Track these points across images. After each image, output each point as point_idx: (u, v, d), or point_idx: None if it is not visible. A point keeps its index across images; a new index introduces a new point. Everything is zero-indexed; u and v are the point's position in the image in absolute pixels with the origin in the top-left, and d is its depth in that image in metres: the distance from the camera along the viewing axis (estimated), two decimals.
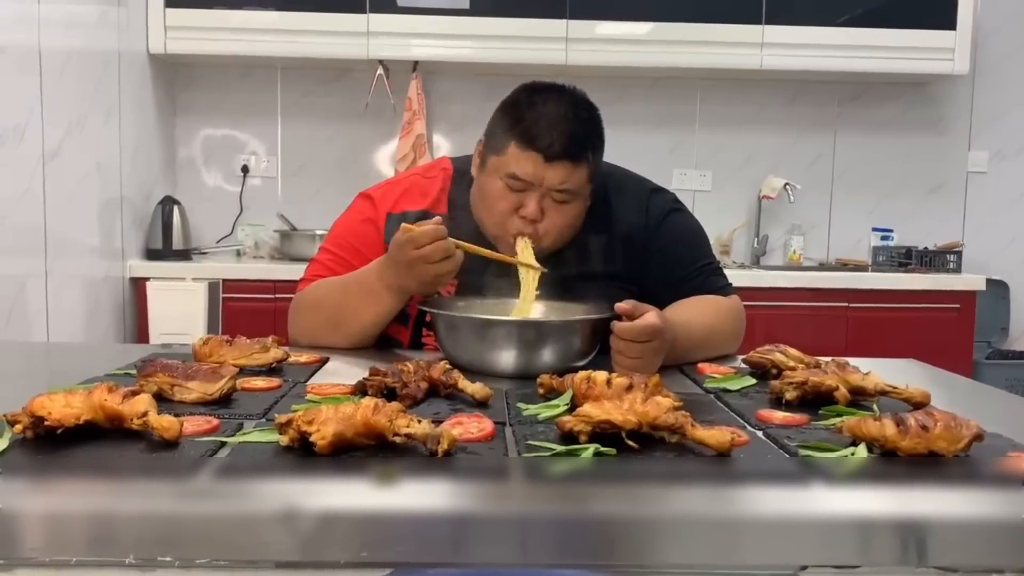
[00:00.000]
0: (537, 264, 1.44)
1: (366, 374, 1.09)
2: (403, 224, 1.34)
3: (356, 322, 1.46)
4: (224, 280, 3.24)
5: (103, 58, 3.06)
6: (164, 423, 0.83)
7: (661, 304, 1.38)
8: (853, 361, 1.16)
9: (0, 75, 2.40)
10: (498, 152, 1.45)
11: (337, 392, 1.08)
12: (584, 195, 1.49)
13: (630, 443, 0.86)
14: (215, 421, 0.92)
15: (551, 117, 1.42)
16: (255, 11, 3.40)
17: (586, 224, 1.53)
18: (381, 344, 1.53)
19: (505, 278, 1.45)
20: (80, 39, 2.88)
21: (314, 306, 1.52)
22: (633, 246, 1.55)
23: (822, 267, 3.83)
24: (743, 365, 1.33)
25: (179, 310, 3.08)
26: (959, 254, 3.68)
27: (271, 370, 1.23)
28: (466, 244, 1.37)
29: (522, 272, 1.44)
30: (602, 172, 1.53)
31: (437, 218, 1.37)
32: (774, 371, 1.23)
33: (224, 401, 1.02)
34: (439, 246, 1.31)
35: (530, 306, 1.43)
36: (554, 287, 1.47)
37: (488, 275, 1.47)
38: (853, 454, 0.86)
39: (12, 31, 2.48)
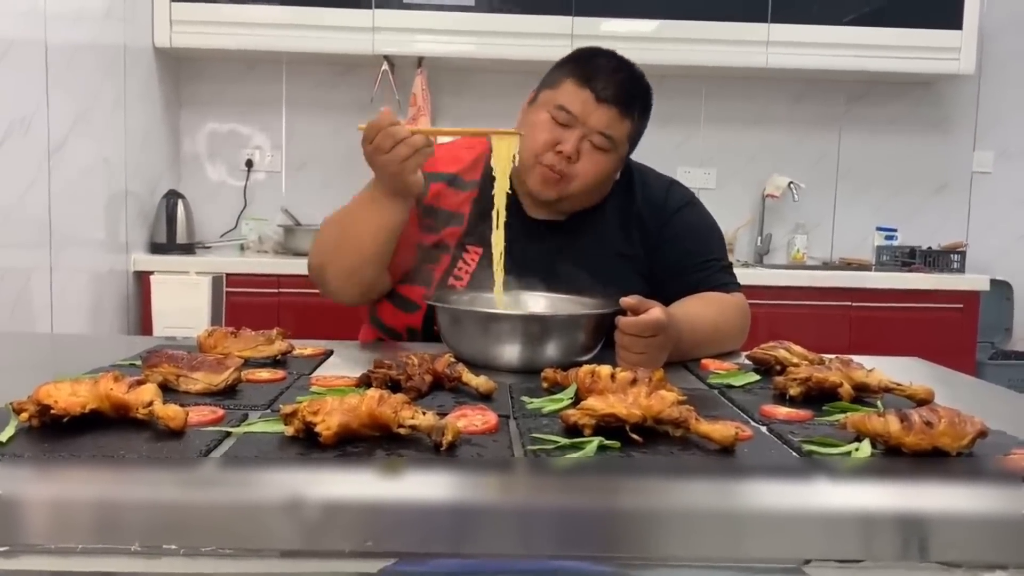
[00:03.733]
0: (510, 129, 1.44)
1: (370, 366, 1.09)
2: (358, 125, 1.35)
3: (361, 233, 1.46)
4: (228, 274, 3.24)
5: (109, 52, 3.06)
6: (170, 412, 0.84)
7: (666, 294, 1.39)
8: (857, 359, 1.16)
9: (6, 68, 2.40)
10: (552, 86, 1.51)
11: (342, 384, 1.08)
12: (621, 152, 1.53)
13: (634, 437, 0.86)
14: (220, 411, 0.92)
15: (611, 66, 1.51)
16: (261, 5, 3.40)
17: (608, 201, 1.57)
18: (392, 336, 1.54)
19: (513, 273, 1.43)
20: (86, 32, 2.88)
21: (327, 224, 1.55)
22: (648, 232, 1.58)
23: (826, 266, 3.83)
24: (747, 361, 1.33)
25: (183, 304, 3.08)
26: (963, 254, 3.68)
27: (276, 362, 1.24)
28: (424, 128, 1.37)
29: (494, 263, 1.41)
30: (629, 163, 1.60)
31: (385, 108, 1.37)
32: (778, 367, 1.23)
33: (229, 392, 1.03)
34: (387, 133, 1.31)
35: (500, 248, 1.39)
36: (568, 260, 1.50)
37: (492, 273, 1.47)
38: (857, 450, 0.86)
39: (18, 24, 2.48)
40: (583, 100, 1.47)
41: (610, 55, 1.55)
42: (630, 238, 1.58)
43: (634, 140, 1.56)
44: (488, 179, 1.52)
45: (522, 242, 1.45)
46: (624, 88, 1.50)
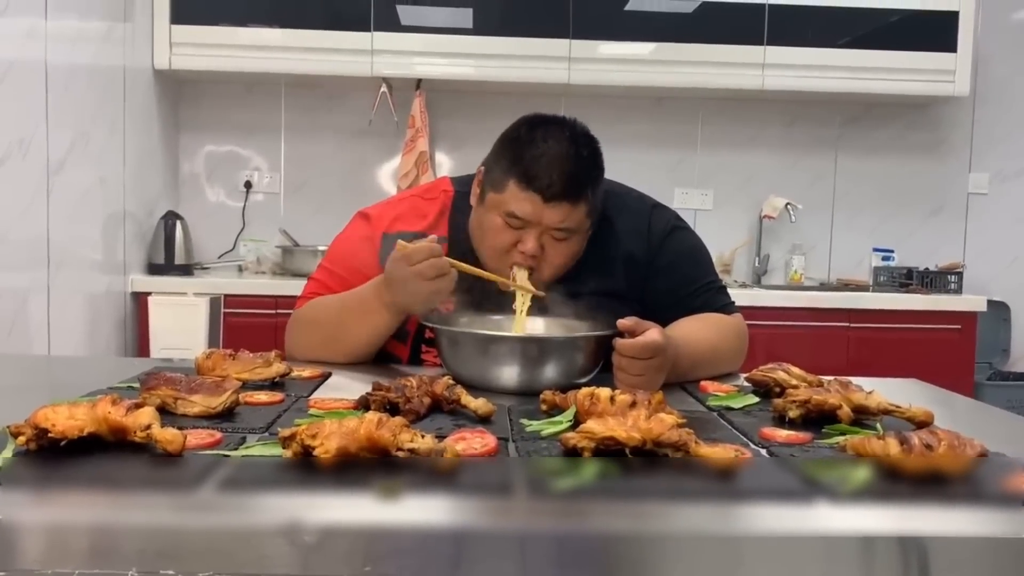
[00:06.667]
0: (533, 287, 1.45)
1: (369, 389, 1.09)
2: (398, 242, 1.34)
3: (353, 340, 1.47)
4: (226, 295, 3.25)
5: (108, 73, 3.08)
6: (168, 436, 0.83)
7: (663, 322, 1.38)
8: (855, 380, 1.16)
9: (6, 89, 2.41)
10: (497, 189, 1.45)
11: (340, 407, 1.08)
12: (584, 230, 1.49)
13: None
14: (218, 434, 0.92)
15: (551, 155, 1.42)
16: (260, 28, 3.43)
17: (589, 242, 1.53)
18: (381, 360, 1.53)
19: (506, 296, 1.46)
20: (86, 54, 2.90)
21: (311, 324, 1.52)
22: (636, 263, 1.55)
23: (823, 287, 3.83)
24: (746, 383, 1.33)
25: (180, 325, 3.08)
26: (960, 275, 3.69)
27: (273, 384, 1.23)
28: (462, 264, 1.38)
29: (518, 294, 1.45)
30: (603, 190, 1.53)
31: (432, 237, 1.38)
32: (777, 389, 1.23)
33: (227, 415, 1.02)
34: (433, 263, 1.31)
35: (523, 328, 1.44)
36: (557, 305, 1.47)
37: (488, 292, 1.47)
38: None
39: (19, 46, 2.49)
40: (531, 203, 1.41)
41: (547, 133, 1.44)
42: (614, 274, 1.55)
43: (595, 210, 1.49)
44: (454, 234, 1.54)
45: (499, 299, 1.46)
46: (569, 179, 1.41)
